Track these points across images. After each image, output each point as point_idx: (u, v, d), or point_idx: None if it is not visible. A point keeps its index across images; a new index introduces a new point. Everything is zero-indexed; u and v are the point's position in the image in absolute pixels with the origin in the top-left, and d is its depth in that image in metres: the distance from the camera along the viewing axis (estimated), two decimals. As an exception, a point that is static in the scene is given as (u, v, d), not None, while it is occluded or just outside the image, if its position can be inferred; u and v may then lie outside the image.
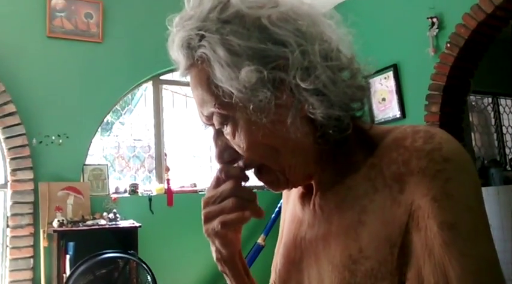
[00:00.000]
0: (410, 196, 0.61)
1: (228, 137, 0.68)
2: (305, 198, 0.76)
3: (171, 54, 0.70)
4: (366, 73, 0.70)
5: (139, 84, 4.45)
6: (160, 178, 4.41)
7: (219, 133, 0.70)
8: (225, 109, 0.66)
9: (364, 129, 0.70)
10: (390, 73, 4.39)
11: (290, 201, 0.83)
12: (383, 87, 4.47)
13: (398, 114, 4.34)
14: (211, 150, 5.68)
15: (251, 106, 0.63)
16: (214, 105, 0.66)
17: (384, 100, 4.48)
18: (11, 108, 3.71)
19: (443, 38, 3.93)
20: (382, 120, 4.51)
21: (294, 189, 0.76)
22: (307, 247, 0.73)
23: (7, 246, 3.63)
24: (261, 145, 0.66)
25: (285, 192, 0.85)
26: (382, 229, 0.62)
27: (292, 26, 0.65)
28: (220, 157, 0.70)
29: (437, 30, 3.93)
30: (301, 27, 0.65)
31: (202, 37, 0.64)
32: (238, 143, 0.67)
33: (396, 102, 4.34)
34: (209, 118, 0.68)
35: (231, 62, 0.63)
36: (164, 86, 4.66)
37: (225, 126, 0.67)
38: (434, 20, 3.94)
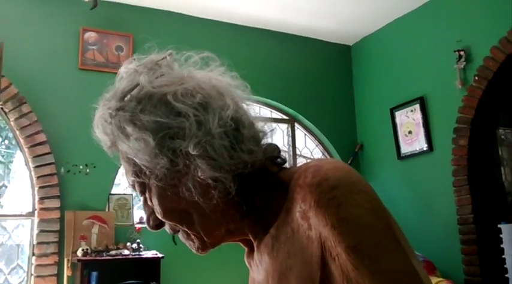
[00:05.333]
0: (317, 230, 0.63)
1: (150, 204, 0.76)
2: (249, 257, 0.81)
3: (96, 133, 0.78)
4: (262, 135, 0.77)
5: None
6: (184, 209, 4.41)
7: (145, 201, 0.77)
8: (140, 178, 0.73)
9: (272, 172, 0.75)
10: (417, 106, 4.35)
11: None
12: (409, 120, 4.43)
13: (425, 147, 4.28)
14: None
15: (156, 173, 0.71)
16: (131, 174, 0.74)
17: (410, 133, 4.43)
18: (42, 137, 3.80)
19: (471, 71, 3.89)
20: (409, 153, 4.45)
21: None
22: None
23: (31, 275, 3.65)
24: (173, 210, 0.73)
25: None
26: (304, 269, 0.65)
27: (192, 99, 0.72)
28: (147, 222, 0.79)
29: (464, 63, 3.91)
30: (201, 99, 0.72)
31: (113, 116, 0.73)
32: (156, 209, 0.74)
33: (423, 135, 4.29)
34: (133, 187, 0.77)
35: (137, 135, 0.71)
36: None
37: (144, 193, 0.75)
38: (462, 53, 3.92)
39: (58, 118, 3.92)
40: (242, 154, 0.71)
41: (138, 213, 4.23)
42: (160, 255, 3.69)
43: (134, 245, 3.70)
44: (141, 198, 0.79)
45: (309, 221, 0.65)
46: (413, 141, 4.40)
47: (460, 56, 3.92)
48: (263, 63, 4.78)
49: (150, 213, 0.77)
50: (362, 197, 0.63)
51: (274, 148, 0.78)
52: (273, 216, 0.72)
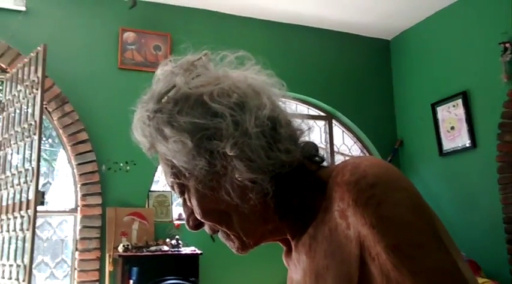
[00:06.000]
0: (355, 229, 0.62)
1: (189, 204, 0.76)
2: (288, 256, 0.81)
3: (135, 135, 0.78)
4: (300, 134, 0.76)
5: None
6: (222, 206, 4.43)
7: (184, 201, 0.78)
8: (179, 179, 0.74)
9: (310, 171, 0.74)
10: (459, 101, 4.23)
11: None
12: (452, 115, 4.31)
13: (468, 143, 4.15)
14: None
15: (195, 175, 0.71)
16: (170, 175, 0.75)
17: (452, 129, 4.30)
18: (84, 135, 3.90)
19: (517, 64, 3.74)
20: (451, 149, 4.32)
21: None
22: None
23: (75, 269, 3.76)
24: (212, 210, 0.73)
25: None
26: (342, 268, 0.64)
27: (229, 99, 0.71)
28: (187, 223, 0.79)
29: (510, 55, 3.76)
30: (237, 99, 0.72)
31: (151, 118, 0.73)
32: (195, 209, 0.74)
33: (466, 131, 4.16)
34: (173, 188, 0.77)
35: (175, 137, 0.71)
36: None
37: (183, 194, 0.76)
38: (508, 45, 3.77)
39: (99, 116, 4.01)
40: (279, 154, 0.70)
41: (177, 210, 4.29)
42: (199, 251, 3.72)
43: (173, 242, 3.75)
44: (181, 199, 0.79)
45: (347, 220, 0.64)
46: (456, 137, 4.27)
47: (506, 49, 3.77)
48: (300, 60, 4.75)
49: (190, 213, 0.77)
50: (402, 194, 0.61)
51: (312, 147, 0.77)
52: (311, 215, 0.72)
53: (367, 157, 0.68)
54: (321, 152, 0.78)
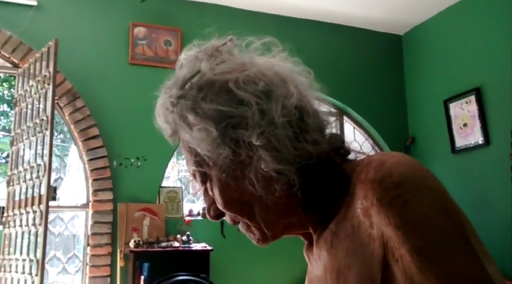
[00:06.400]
0: (379, 229, 0.60)
1: (210, 194, 0.74)
2: (309, 250, 0.79)
3: (157, 121, 0.77)
4: (326, 125, 0.74)
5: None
6: (232, 202, 4.42)
7: (206, 190, 0.75)
8: (202, 168, 0.72)
9: (336, 164, 0.72)
10: (472, 98, 4.18)
11: None
12: (464, 112, 4.26)
13: (481, 140, 4.10)
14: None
15: (218, 164, 0.69)
16: (193, 164, 0.73)
17: (465, 126, 4.26)
18: (95, 131, 3.91)
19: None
20: (464, 146, 4.28)
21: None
22: None
23: (87, 264, 3.78)
24: (234, 200, 0.71)
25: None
26: (364, 268, 0.62)
27: (255, 87, 0.69)
28: (208, 212, 0.77)
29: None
30: (264, 87, 0.70)
31: (174, 104, 0.72)
32: (217, 199, 0.73)
33: (479, 128, 4.11)
34: (194, 177, 0.75)
35: (199, 125, 0.69)
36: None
37: (205, 183, 0.74)
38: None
39: (110, 112, 4.02)
40: (307, 145, 0.69)
41: (188, 206, 4.30)
42: (209, 248, 3.73)
43: (184, 238, 3.75)
44: (201, 188, 0.77)
45: (371, 219, 0.62)
46: (469, 134, 4.22)
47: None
48: (309, 55, 4.64)
49: (211, 203, 0.75)
50: (429, 195, 0.59)
51: (338, 138, 0.75)
52: (333, 210, 0.70)
53: (393, 153, 0.65)
54: (347, 145, 0.76)
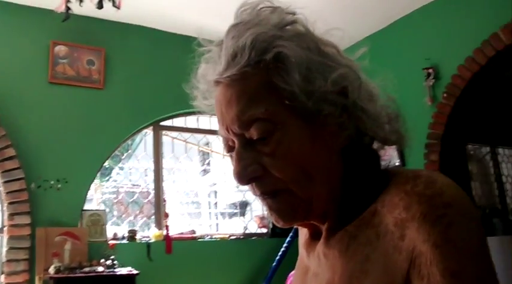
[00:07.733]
0: (412, 243, 0.59)
1: (266, 150, 0.66)
2: (310, 245, 0.76)
3: (212, 53, 0.77)
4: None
5: (140, 130, 4.49)
6: (159, 224, 4.36)
7: (246, 147, 0.67)
8: (274, 116, 0.65)
9: (379, 165, 0.73)
10: (388, 122, 4.43)
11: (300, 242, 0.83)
12: (381, 135, 4.51)
13: (397, 162, 4.36)
14: (210, 197, 5.64)
15: (308, 117, 0.66)
16: (265, 110, 0.65)
17: (382, 149, 4.51)
18: (11, 152, 3.71)
19: (439, 88, 4.02)
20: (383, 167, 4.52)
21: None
22: None
23: (0, 294, 3.56)
24: (297, 165, 0.66)
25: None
26: (384, 278, 0.61)
27: (345, 61, 0.71)
28: (242, 172, 0.67)
29: (433, 80, 4.03)
30: (350, 64, 0.72)
31: (277, 39, 0.66)
32: (278, 158, 0.66)
33: (395, 150, 4.37)
34: (245, 127, 0.66)
35: (311, 66, 0.66)
36: (164, 132, 4.70)
37: (265, 136, 0.66)
38: (430, 70, 4.04)
39: (28, 132, 3.84)
40: (391, 132, 0.72)
41: (112, 229, 4.18)
42: (135, 272, 3.63)
43: (108, 262, 3.63)
44: (237, 145, 0.68)
45: (404, 231, 0.61)
46: (386, 156, 4.47)
47: (429, 74, 4.04)
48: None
49: (251, 162, 0.67)
50: (473, 223, 0.59)
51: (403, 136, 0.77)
52: (355, 212, 0.68)
53: (441, 174, 0.64)
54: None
